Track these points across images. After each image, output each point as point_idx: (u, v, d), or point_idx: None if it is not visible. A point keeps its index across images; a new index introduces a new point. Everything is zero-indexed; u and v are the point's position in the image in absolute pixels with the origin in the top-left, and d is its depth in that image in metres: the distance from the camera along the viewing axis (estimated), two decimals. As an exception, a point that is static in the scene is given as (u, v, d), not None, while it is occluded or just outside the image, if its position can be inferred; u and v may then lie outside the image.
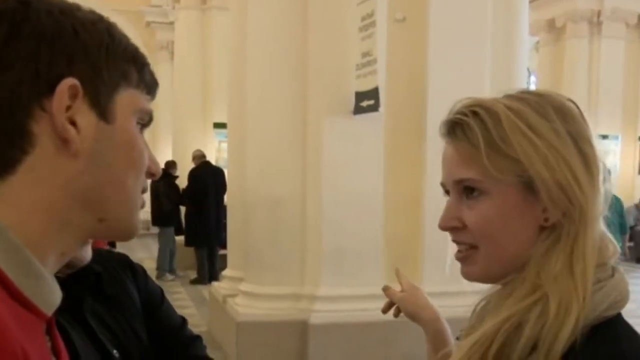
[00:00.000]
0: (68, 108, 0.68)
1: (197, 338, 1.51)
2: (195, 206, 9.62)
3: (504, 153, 0.93)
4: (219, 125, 10.76)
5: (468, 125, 0.95)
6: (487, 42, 5.60)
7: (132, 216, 0.76)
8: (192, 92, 11.37)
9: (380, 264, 5.35)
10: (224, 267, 7.04)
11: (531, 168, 0.92)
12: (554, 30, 14.89)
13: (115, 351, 1.26)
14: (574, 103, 0.99)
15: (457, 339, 1.02)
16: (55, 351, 0.73)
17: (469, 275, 0.99)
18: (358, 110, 5.20)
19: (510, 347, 0.88)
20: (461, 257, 0.99)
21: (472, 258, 0.98)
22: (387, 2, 5.19)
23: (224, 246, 7.57)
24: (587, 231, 0.92)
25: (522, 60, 6.09)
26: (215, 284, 6.97)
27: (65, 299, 1.18)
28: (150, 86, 0.79)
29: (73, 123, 0.69)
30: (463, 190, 0.97)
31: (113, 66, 0.72)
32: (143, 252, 13.59)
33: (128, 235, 0.77)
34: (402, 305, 1.49)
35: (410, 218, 5.39)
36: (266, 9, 5.62)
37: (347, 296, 5.24)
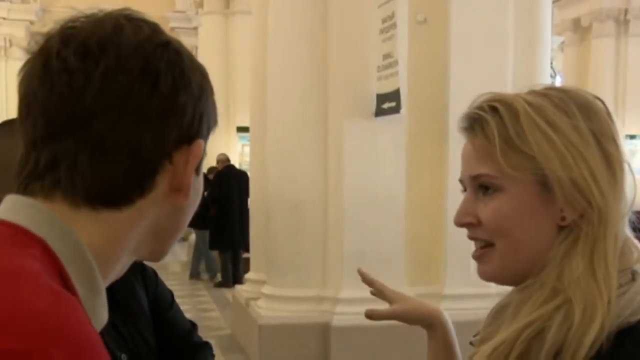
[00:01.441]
0: None
1: (206, 345, 1.51)
2: (220, 210, 9.66)
3: (519, 149, 0.91)
4: (242, 129, 10.81)
5: (485, 121, 0.93)
6: (510, 42, 5.55)
7: (173, 245, 0.80)
8: (216, 96, 11.33)
9: (402, 266, 5.33)
10: (247, 270, 7.07)
11: (546, 166, 0.90)
12: (579, 29, 14.72)
13: (123, 355, 1.27)
14: (601, 100, 0.96)
15: (471, 343, 0.99)
16: None
17: (484, 275, 0.97)
18: (379, 112, 5.19)
19: (531, 354, 0.85)
20: (477, 256, 0.97)
21: (488, 256, 0.95)
22: (408, 3, 5.18)
23: (248, 249, 7.59)
24: (607, 234, 0.89)
25: (545, 60, 6.03)
26: (238, 287, 6.99)
27: None
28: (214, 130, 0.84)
29: None
30: (479, 186, 0.95)
31: (212, 124, 0.76)
32: (168, 256, 13.65)
33: (158, 260, 0.81)
34: (403, 319, 1.33)
35: (432, 220, 5.36)
36: (287, 12, 5.64)
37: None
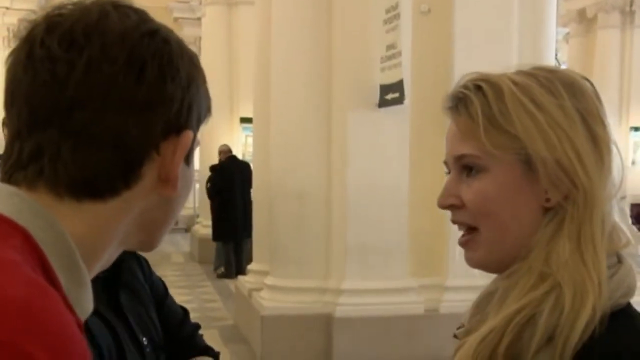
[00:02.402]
0: None
1: (198, 327, 1.57)
2: (221, 201, 9.66)
3: (503, 129, 0.89)
4: (245, 120, 10.79)
5: (470, 99, 0.92)
6: (514, 33, 5.53)
7: (164, 236, 0.79)
8: (219, 87, 11.40)
9: (405, 257, 5.34)
10: (250, 261, 7.08)
11: (530, 145, 0.88)
12: (584, 20, 14.67)
13: (144, 338, 1.32)
14: (589, 81, 0.94)
15: (455, 336, 0.96)
16: None
17: (470, 261, 0.96)
18: (383, 103, 5.18)
19: (523, 341, 0.83)
20: (463, 242, 0.96)
21: (473, 242, 0.94)
22: (411, -6, 5.16)
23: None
24: (594, 216, 0.87)
25: (549, 52, 6.01)
26: (240, 277, 7.00)
27: (107, 295, 1.24)
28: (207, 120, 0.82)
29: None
30: (463, 167, 0.94)
31: (203, 114, 0.75)
32: (171, 247, 13.73)
33: (151, 249, 0.80)
34: None
35: (436, 211, 5.25)
36: (291, 3, 5.63)
37: (372, 290, 5.24)
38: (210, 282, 9.62)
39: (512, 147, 0.89)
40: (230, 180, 9.65)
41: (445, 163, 0.97)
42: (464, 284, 5.20)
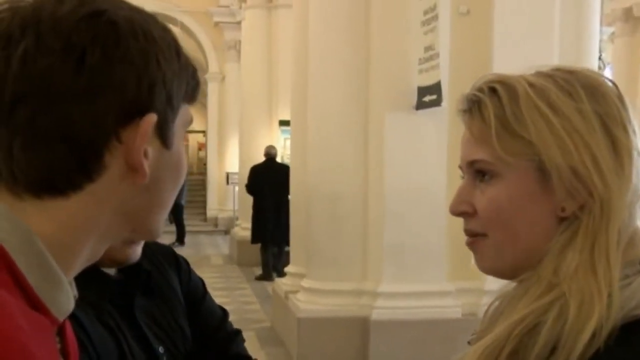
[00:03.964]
0: None
1: (238, 333, 1.49)
2: (254, 204, 9.70)
3: (517, 134, 0.85)
4: (284, 123, 10.82)
5: (483, 103, 0.88)
6: (555, 34, 5.43)
7: (161, 227, 0.77)
8: (259, 90, 11.48)
9: (442, 260, 5.27)
10: (288, 263, 7.09)
11: (544, 151, 0.84)
12: (631, 19, 14.31)
13: (161, 347, 1.26)
14: (614, 83, 0.90)
15: (469, 343, 0.93)
16: (64, 353, 0.73)
17: (480, 266, 0.93)
18: (420, 105, 5.13)
19: (524, 352, 0.79)
20: (470, 243, 0.93)
21: (481, 246, 0.91)
22: (450, -5, 5.11)
23: (287, 243, 7.60)
24: (610, 227, 0.82)
25: (593, 52, 5.89)
26: (278, 280, 7.01)
27: (117, 298, 1.20)
28: (197, 96, 0.78)
29: (145, 155, 0.68)
30: (476, 173, 0.90)
31: (180, 91, 0.71)
32: (211, 249, 13.84)
33: (152, 238, 0.78)
34: None
35: (474, 214, 5.27)
36: (328, 5, 5.62)
37: (409, 293, 5.19)
38: (248, 285, 9.66)
39: (525, 153, 0.85)
40: (261, 183, 9.66)
41: (460, 168, 0.94)
42: (501, 287, 5.11)
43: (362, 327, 5.24)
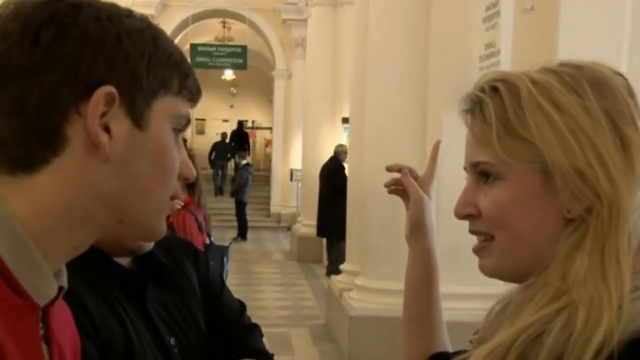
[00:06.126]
0: (103, 114, 0.70)
1: (254, 328, 1.49)
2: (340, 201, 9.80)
3: (518, 135, 0.82)
4: (347, 121, 10.82)
5: (485, 103, 0.85)
6: (626, 32, 5.22)
7: (155, 222, 0.77)
8: (323, 87, 11.49)
9: (499, 263, 5.15)
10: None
11: (547, 153, 0.80)
12: None
13: (172, 339, 1.27)
14: (622, 76, 0.84)
15: (471, 342, 0.91)
16: (48, 338, 0.73)
17: (483, 269, 0.89)
18: (479, 103, 5.03)
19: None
20: (477, 249, 0.90)
21: (487, 250, 0.87)
22: (514, -9, 4.98)
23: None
24: (620, 231, 0.77)
25: (666, 51, 5.63)
26: (333, 277, 7.01)
27: (129, 288, 1.22)
28: (192, 93, 0.80)
29: (107, 129, 0.70)
30: (480, 174, 0.87)
31: (153, 74, 0.73)
32: (273, 245, 13.96)
33: (148, 238, 0.80)
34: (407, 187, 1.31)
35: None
36: (388, 2, 5.57)
37: (462, 294, 5.09)
38: (306, 281, 9.70)
39: (528, 155, 0.82)
40: (319, 182, 9.72)
41: (465, 169, 0.92)
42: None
43: (414, 327, 5.17)
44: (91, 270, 1.16)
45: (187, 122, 0.80)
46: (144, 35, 0.73)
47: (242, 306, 1.51)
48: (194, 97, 0.80)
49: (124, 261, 1.26)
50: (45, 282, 0.70)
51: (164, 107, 0.74)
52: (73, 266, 1.10)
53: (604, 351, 0.72)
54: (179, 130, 0.79)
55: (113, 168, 0.71)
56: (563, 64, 0.85)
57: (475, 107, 0.87)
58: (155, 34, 0.75)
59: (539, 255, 0.82)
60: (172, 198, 0.79)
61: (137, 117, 0.72)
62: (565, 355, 0.73)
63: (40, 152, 0.68)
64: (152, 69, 0.73)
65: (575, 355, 0.73)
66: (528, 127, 0.81)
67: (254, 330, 1.49)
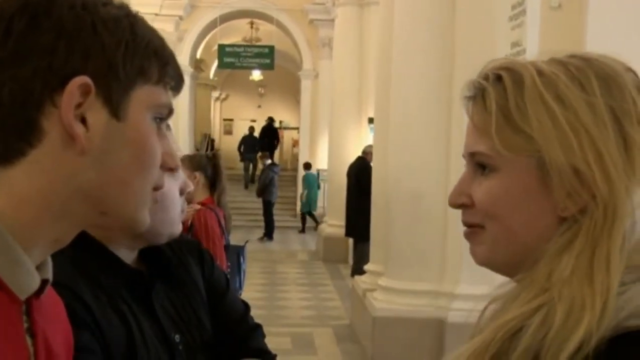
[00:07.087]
0: (79, 105, 0.69)
1: (257, 328, 1.49)
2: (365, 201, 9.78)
3: (518, 127, 0.79)
4: (373, 121, 10.79)
5: (487, 91, 0.82)
6: (656, 30, 5.12)
7: (136, 213, 0.76)
8: (349, 87, 11.47)
9: (524, 265, 5.09)
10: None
11: (544, 148, 0.77)
12: None
13: (177, 336, 1.27)
14: (635, 73, 0.81)
15: None
16: (32, 332, 0.73)
17: (474, 257, 0.87)
18: (505, 103, 4.98)
19: (505, 356, 0.74)
20: (467, 233, 0.87)
21: (478, 237, 0.85)
22: (540, -12, 4.92)
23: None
24: (613, 234, 0.74)
25: (697, 49, 5.52)
26: (357, 277, 6.99)
27: (134, 284, 1.22)
28: (175, 81, 0.78)
29: (83, 120, 0.69)
30: (477, 165, 0.84)
31: (130, 63, 0.72)
32: (299, 245, 13.97)
33: (132, 229, 0.78)
34: None
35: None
36: (412, 1, 5.54)
37: (488, 296, 5.04)
38: (331, 281, 9.69)
39: (525, 149, 0.79)
40: (346, 181, 9.70)
41: (464, 157, 0.89)
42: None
43: (437, 328, 5.14)
44: (95, 267, 1.17)
45: (170, 111, 0.78)
46: (120, 23, 0.71)
47: (246, 307, 1.52)
48: (175, 85, 0.78)
49: (128, 258, 1.26)
50: (26, 275, 0.69)
51: (143, 96, 0.73)
52: (76, 262, 1.11)
53: (581, 351, 0.70)
54: (161, 119, 0.77)
55: (91, 159, 0.70)
56: (573, 56, 0.82)
57: (477, 94, 0.84)
58: (133, 21, 0.73)
59: (531, 251, 0.79)
60: (155, 189, 0.77)
61: (115, 108, 0.70)
62: (542, 352, 0.72)
63: (15, 145, 0.67)
64: (129, 58, 0.71)
65: (552, 354, 0.71)
66: (528, 119, 0.79)
67: (257, 330, 1.50)
